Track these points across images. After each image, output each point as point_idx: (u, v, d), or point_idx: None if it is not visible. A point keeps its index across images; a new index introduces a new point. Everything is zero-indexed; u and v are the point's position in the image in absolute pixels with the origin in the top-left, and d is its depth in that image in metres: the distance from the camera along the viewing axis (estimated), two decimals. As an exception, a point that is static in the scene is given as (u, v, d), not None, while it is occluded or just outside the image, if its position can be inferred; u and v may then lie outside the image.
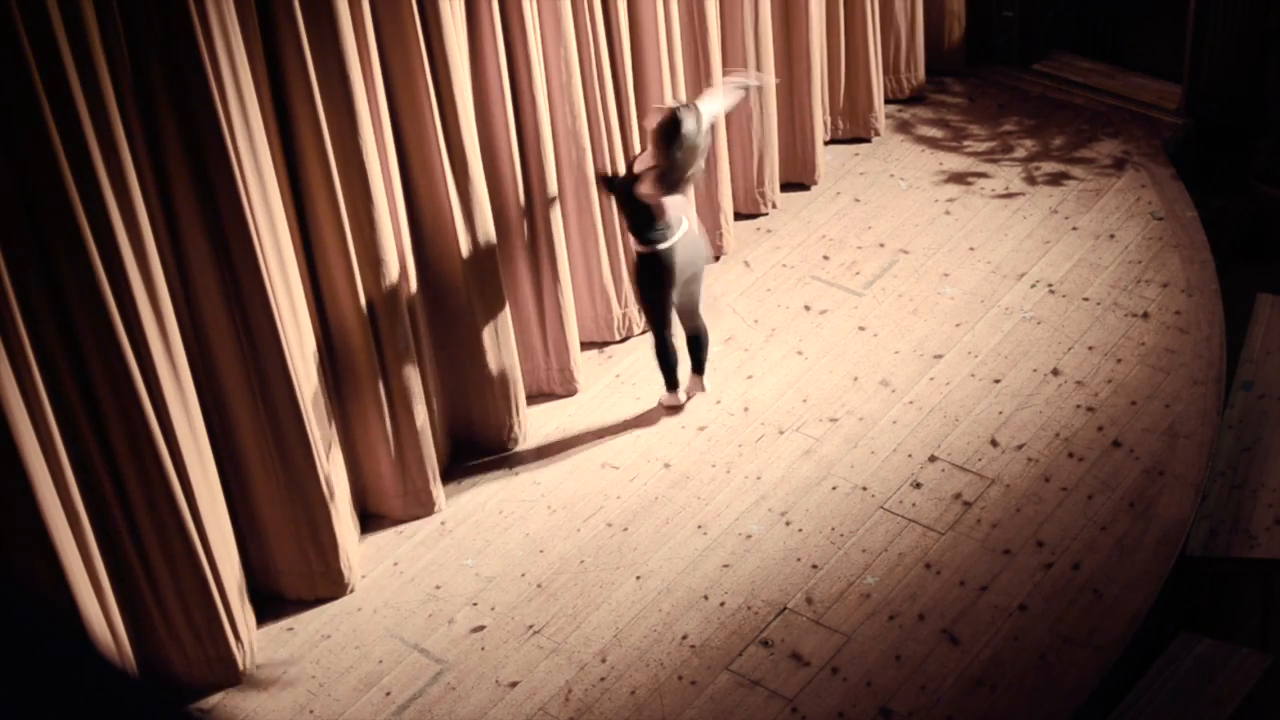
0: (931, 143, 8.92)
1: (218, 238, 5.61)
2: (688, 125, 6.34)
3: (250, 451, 6.06)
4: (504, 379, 6.90)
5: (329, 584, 6.39)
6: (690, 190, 6.83)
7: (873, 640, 6.10)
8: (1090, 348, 7.40)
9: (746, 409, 7.21)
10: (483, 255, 6.64)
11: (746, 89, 7.38)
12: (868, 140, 8.93)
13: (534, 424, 7.19)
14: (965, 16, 9.35)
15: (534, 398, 7.30)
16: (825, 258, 8.08)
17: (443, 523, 6.77)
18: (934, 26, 9.24)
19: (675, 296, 6.79)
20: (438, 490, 6.76)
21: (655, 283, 6.71)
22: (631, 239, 6.74)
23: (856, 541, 6.52)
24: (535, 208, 6.93)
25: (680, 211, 6.64)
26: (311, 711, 6.00)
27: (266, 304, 5.74)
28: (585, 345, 7.52)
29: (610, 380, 7.47)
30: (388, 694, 6.05)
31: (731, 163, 8.07)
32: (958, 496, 6.68)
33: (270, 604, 6.38)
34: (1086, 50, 9.57)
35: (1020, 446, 6.90)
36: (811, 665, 6.02)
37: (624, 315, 7.58)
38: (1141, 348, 7.38)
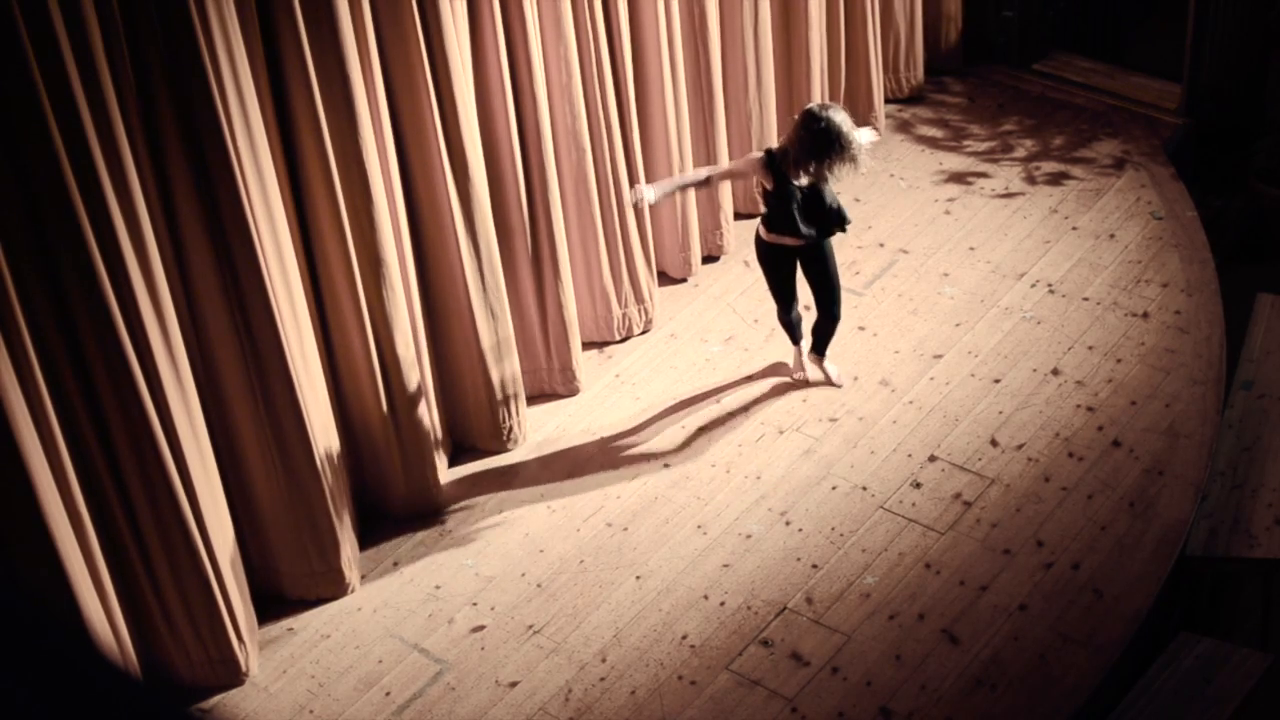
0: (931, 142, 8.92)
1: (218, 238, 5.62)
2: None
3: (250, 451, 6.06)
4: (504, 378, 6.90)
5: (329, 584, 6.39)
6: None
7: (872, 640, 6.10)
8: (1090, 347, 7.40)
9: (746, 409, 7.21)
10: (482, 255, 6.64)
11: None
12: (867, 140, 8.93)
13: (534, 424, 7.19)
14: (961, 19, 9.36)
15: (535, 398, 7.30)
16: (825, 257, 8.09)
17: (442, 523, 6.77)
18: (931, 27, 9.25)
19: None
20: (438, 490, 6.77)
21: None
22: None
23: (856, 541, 6.53)
24: (536, 207, 6.93)
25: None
26: (311, 711, 6.00)
27: (267, 304, 5.74)
28: (585, 345, 7.52)
29: (610, 380, 7.47)
30: (387, 694, 6.05)
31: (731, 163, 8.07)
32: (958, 496, 6.68)
33: (270, 604, 6.38)
34: (1086, 50, 9.57)
35: (1020, 446, 6.90)
36: (811, 665, 6.02)
37: (624, 315, 7.58)
38: (1141, 347, 7.38)
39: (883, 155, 8.84)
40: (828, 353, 7.25)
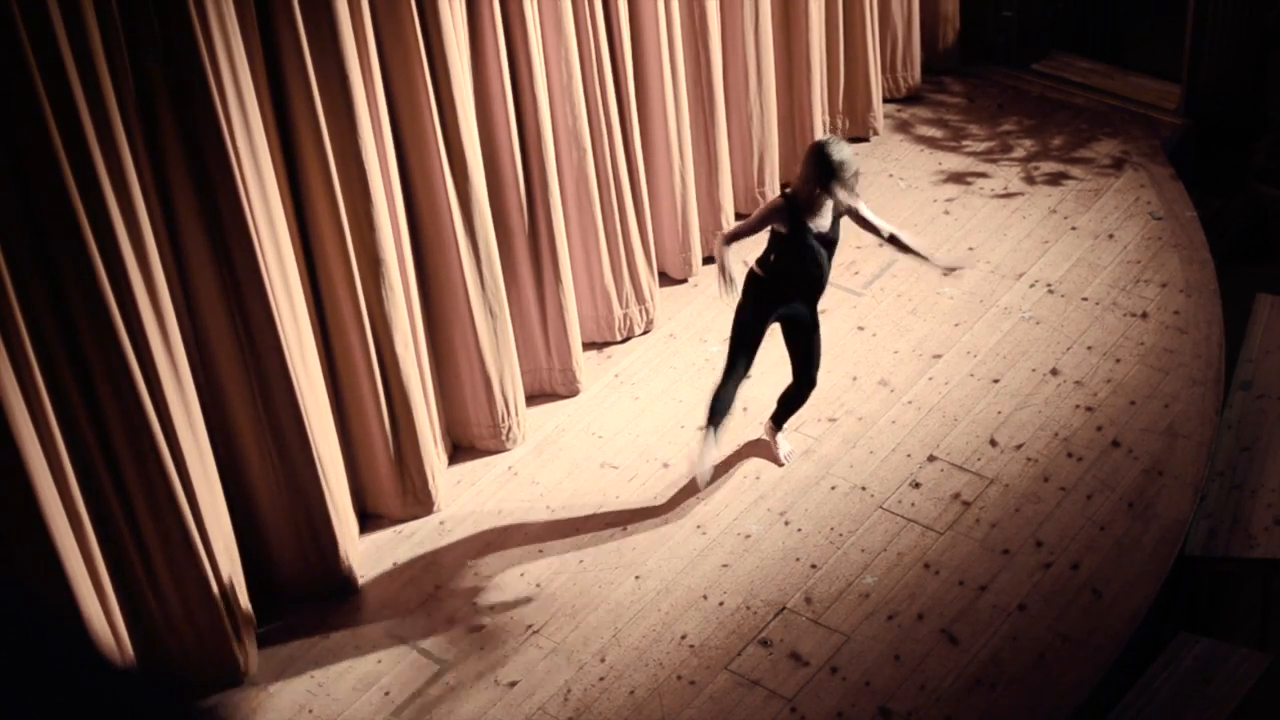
0: (930, 142, 8.93)
1: (218, 238, 5.62)
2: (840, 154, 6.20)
3: (249, 452, 6.06)
4: (503, 379, 6.90)
5: (328, 583, 6.39)
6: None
7: (872, 640, 6.10)
8: (1089, 347, 7.41)
9: (745, 409, 7.21)
10: (481, 255, 6.64)
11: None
12: (866, 140, 8.94)
13: (533, 424, 7.19)
14: (958, 20, 9.37)
15: (534, 398, 7.30)
16: (824, 258, 8.09)
17: (442, 523, 6.77)
18: (929, 28, 9.27)
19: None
20: (437, 490, 6.77)
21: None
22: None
23: (855, 541, 6.53)
24: (536, 208, 6.94)
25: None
26: (311, 711, 6.00)
27: (266, 304, 5.74)
28: (586, 346, 7.52)
29: (609, 380, 7.48)
30: (387, 694, 6.05)
31: (732, 162, 8.08)
32: (957, 496, 6.69)
33: (270, 604, 6.37)
34: (1086, 50, 9.58)
35: (1019, 446, 6.90)
36: (810, 665, 6.02)
37: (624, 316, 7.58)
38: (1140, 347, 7.39)
39: (881, 155, 8.85)
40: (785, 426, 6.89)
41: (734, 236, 6.34)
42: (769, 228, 6.33)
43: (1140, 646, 6.09)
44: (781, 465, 6.90)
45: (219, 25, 5.34)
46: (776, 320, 6.51)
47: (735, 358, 6.49)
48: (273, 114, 5.79)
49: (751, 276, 6.45)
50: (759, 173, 8.26)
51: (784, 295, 6.42)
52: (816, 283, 6.40)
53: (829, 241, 6.34)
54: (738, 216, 8.27)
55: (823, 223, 6.29)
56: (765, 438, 6.97)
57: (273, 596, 6.39)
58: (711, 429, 6.51)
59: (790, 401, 6.85)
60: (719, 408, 6.50)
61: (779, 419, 6.90)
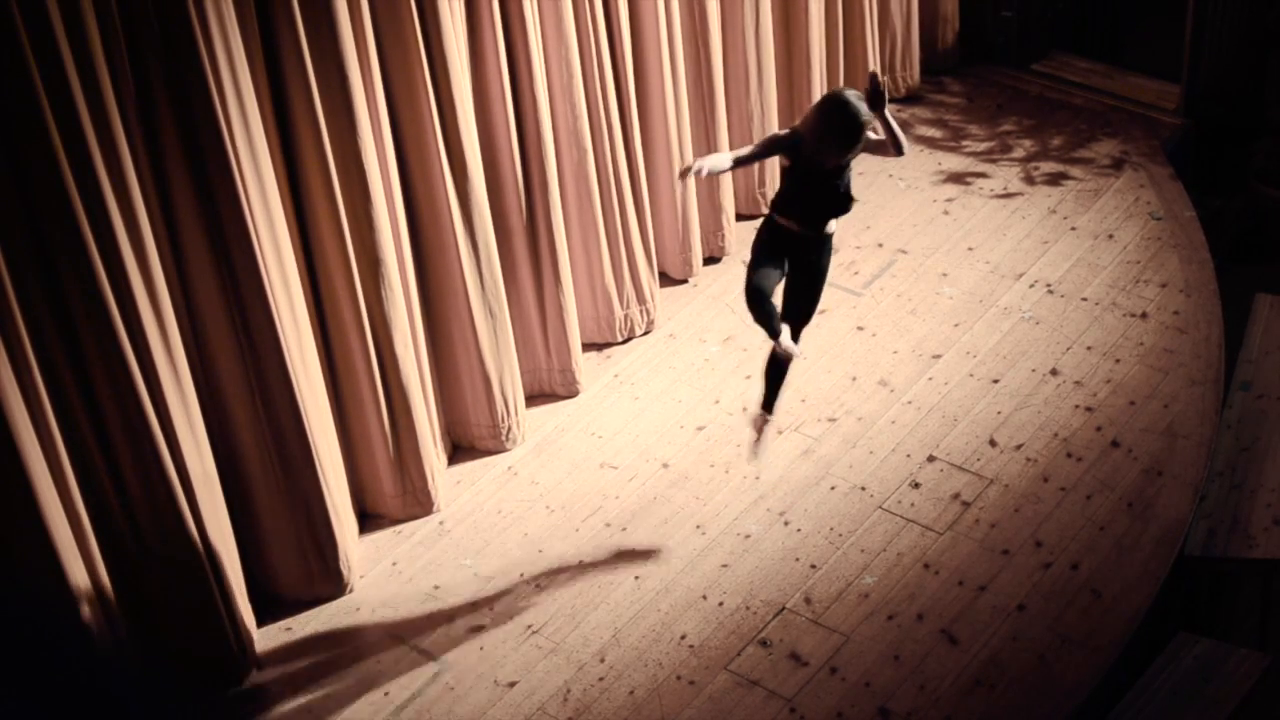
0: (930, 142, 8.93)
1: (217, 239, 5.62)
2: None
3: (250, 452, 6.06)
4: (503, 379, 6.91)
5: (328, 584, 6.40)
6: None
7: (871, 640, 6.10)
8: (1089, 348, 7.41)
9: (745, 409, 7.21)
10: (481, 255, 6.65)
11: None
12: (866, 140, 8.93)
13: (533, 424, 7.19)
14: (957, 21, 9.37)
15: (534, 398, 7.31)
16: (824, 258, 8.08)
17: (441, 523, 6.77)
18: (928, 28, 9.27)
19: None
20: (436, 490, 6.77)
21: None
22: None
23: (855, 541, 6.53)
24: (536, 208, 6.94)
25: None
26: (310, 711, 6.00)
27: (266, 305, 5.75)
28: (586, 346, 7.52)
29: (609, 380, 7.48)
30: (386, 694, 6.05)
31: (731, 163, 8.07)
32: (956, 496, 6.69)
33: (270, 604, 6.38)
34: (1085, 50, 9.58)
35: (1019, 446, 6.91)
36: (810, 665, 6.03)
37: (625, 316, 7.58)
38: (1140, 348, 7.39)
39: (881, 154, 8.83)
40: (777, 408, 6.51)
41: (735, 162, 6.03)
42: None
43: (1140, 646, 6.09)
44: (755, 456, 6.61)
45: (219, 25, 5.34)
46: (790, 262, 6.13)
47: (753, 265, 6.09)
48: (273, 115, 5.79)
49: (765, 218, 6.12)
50: (759, 173, 8.26)
51: (791, 234, 6.06)
52: (817, 214, 6.04)
53: (834, 174, 6.01)
54: (739, 218, 8.28)
55: (824, 165, 5.95)
56: (754, 429, 6.57)
57: (272, 596, 6.40)
58: (780, 338, 6.13)
59: (770, 369, 6.37)
60: (770, 322, 6.06)
61: (769, 401, 6.42)
